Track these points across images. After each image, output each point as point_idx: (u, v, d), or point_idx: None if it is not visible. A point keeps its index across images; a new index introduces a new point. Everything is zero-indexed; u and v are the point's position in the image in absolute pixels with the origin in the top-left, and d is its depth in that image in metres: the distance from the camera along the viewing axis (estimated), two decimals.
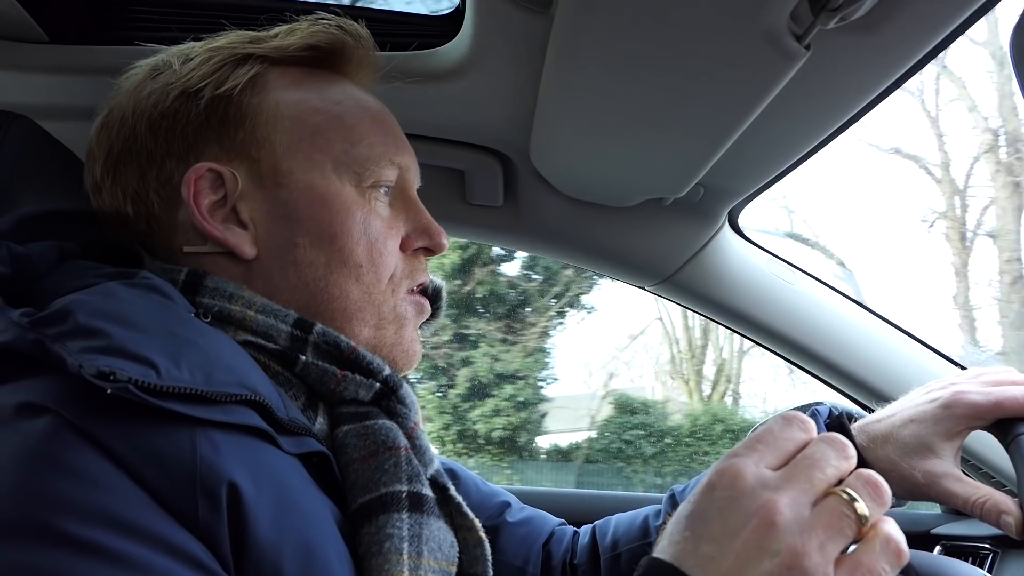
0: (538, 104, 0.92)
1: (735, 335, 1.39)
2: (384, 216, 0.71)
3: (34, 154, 0.75)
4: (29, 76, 0.96)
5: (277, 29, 0.72)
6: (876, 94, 0.83)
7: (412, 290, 0.74)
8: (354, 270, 0.68)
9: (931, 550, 1.30)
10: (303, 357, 0.63)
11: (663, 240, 1.25)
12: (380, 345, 0.70)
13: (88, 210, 0.72)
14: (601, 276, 1.35)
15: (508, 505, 0.93)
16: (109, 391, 0.45)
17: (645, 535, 0.88)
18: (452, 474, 0.89)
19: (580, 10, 0.70)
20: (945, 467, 0.75)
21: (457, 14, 0.94)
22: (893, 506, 0.76)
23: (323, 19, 0.72)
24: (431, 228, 0.74)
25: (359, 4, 0.99)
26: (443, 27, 0.95)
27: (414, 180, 0.76)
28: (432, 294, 0.79)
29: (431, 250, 0.75)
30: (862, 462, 0.77)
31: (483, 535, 0.68)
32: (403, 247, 0.72)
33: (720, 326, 1.38)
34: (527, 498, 1.01)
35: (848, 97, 0.84)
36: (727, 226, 1.27)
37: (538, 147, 1.04)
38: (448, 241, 0.75)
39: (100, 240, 0.68)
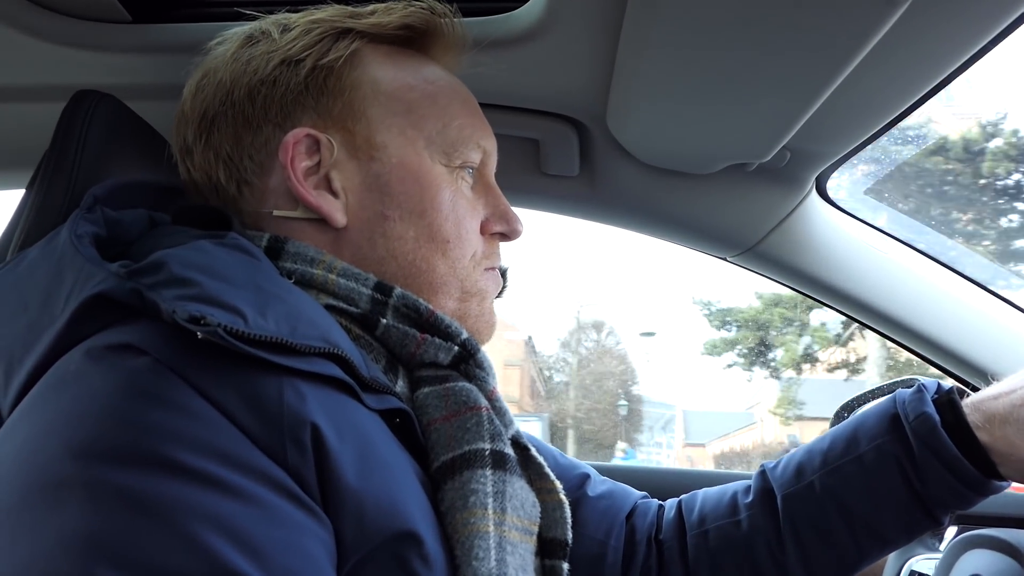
0: (616, 66, 0.88)
1: None
2: (468, 197, 0.74)
3: (120, 133, 0.77)
4: (113, 56, 0.97)
5: (374, 7, 0.74)
6: (987, 40, 0.76)
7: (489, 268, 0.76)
8: (441, 245, 0.70)
9: None
10: (384, 320, 0.64)
11: (746, 208, 1.20)
12: (465, 317, 0.72)
13: (176, 184, 0.74)
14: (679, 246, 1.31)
15: (588, 477, 0.91)
16: (200, 335, 0.47)
17: (734, 512, 0.84)
18: None
19: None
20: None
21: None
22: (995, 488, 0.71)
23: (417, 0, 0.74)
24: (509, 214, 0.76)
25: None
26: None
27: (493, 166, 0.79)
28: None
29: (507, 236, 0.77)
30: (976, 444, 0.71)
31: (563, 497, 0.68)
32: (482, 230, 0.75)
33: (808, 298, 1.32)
34: (606, 473, 0.98)
35: (955, 44, 0.77)
36: (814, 192, 1.21)
37: (615, 112, 1.00)
38: (524, 228, 0.78)
39: (192, 207, 0.70)
